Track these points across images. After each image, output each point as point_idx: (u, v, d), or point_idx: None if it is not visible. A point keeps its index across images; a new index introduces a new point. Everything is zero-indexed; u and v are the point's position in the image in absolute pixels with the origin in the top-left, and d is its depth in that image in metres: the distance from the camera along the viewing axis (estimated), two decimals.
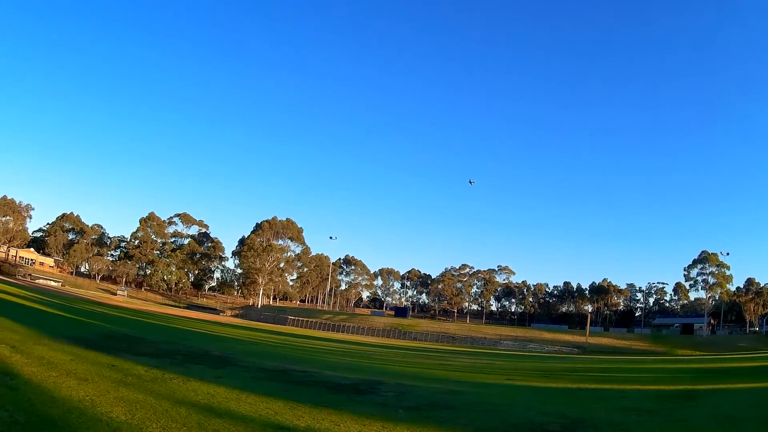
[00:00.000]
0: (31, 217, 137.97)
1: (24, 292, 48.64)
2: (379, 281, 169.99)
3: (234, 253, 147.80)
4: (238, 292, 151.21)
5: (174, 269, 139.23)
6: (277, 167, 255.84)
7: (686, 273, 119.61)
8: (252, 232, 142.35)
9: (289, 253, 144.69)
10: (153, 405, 8.10)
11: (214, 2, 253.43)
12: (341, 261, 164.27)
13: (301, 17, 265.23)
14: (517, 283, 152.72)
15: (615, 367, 34.03)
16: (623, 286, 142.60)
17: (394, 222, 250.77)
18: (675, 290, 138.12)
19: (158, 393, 9.25)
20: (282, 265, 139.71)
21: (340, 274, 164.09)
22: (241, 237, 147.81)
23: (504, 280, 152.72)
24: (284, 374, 14.73)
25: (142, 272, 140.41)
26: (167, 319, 48.47)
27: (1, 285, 50.53)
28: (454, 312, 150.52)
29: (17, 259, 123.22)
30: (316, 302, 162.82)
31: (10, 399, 7.38)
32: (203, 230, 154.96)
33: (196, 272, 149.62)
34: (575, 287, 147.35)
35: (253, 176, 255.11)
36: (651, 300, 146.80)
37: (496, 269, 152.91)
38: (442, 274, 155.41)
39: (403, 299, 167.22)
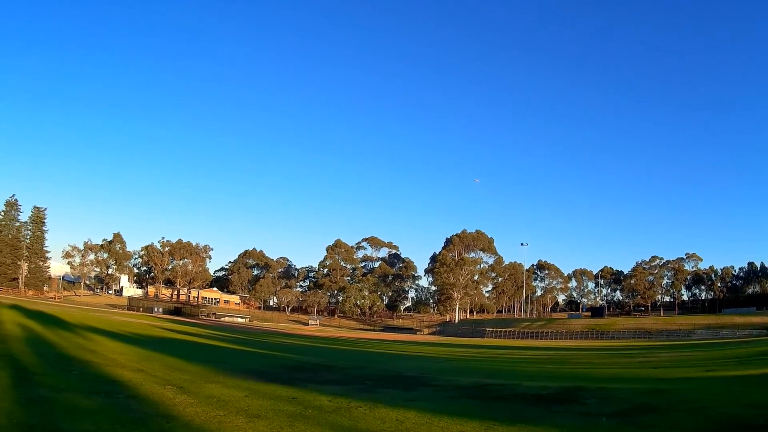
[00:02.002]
0: (210, 258, 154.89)
1: (205, 330, 54.28)
2: (573, 283, 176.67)
3: (426, 271, 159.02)
4: (434, 310, 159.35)
5: (366, 293, 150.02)
6: (460, 180, 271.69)
7: None
8: (443, 248, 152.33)
9: (482, 265, 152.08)
10: None
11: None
12: (534, 267, 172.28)
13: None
14: (705, 269, 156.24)
15: None
16: None
17: (583, 220, 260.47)
18: None
19: (339, 425, 9.01)
20: (476, 277, 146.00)
21: (535, 280, 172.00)
22: (432, 254, 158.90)
23: (692, 267, 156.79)
24: (480, 390, 14.79)
25: (333, 299, 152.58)
26: (360, 344, 50.67)
27: (179, 326, 56.30)
28: (648, 306, 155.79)
29: (199, 299, 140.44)
30: (513, 311, 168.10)
31: None
32: (393, 251, 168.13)
33: (390, 294, 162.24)
34: (759, 266, 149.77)
35: (437, 191, 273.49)
36: None
37: (684, 257, 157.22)
38: (633, 269, 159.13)
39: (597, 298, 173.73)
